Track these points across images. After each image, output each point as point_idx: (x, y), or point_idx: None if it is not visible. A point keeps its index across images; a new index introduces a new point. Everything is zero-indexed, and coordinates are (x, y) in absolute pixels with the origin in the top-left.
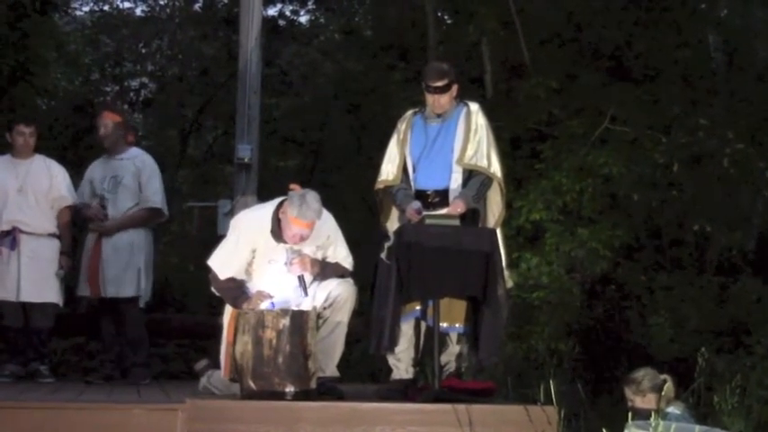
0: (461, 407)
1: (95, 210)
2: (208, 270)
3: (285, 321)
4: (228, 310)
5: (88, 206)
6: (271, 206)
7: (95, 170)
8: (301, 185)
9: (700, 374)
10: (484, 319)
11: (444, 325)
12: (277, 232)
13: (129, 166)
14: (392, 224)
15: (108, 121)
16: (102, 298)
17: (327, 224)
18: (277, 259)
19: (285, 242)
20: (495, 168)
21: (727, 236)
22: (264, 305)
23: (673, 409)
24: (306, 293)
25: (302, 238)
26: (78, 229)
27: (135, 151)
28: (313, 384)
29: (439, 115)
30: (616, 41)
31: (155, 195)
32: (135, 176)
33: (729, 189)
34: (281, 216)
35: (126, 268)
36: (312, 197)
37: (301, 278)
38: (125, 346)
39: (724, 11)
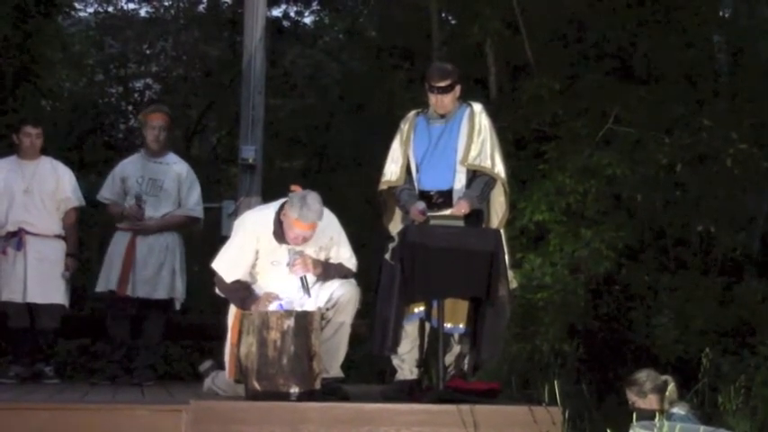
0: (466, 407)
1: (133, 209)
2: (212, 273)
3: (290, 322)
4: (233, 312)
5: (120, 205)
6: (273, 207)
7: (129, 168)
8: (305, 187)
9: (704, 375)
10: (486, 319)
11: (448, 325)
12: (279, 234)
13: (169, 171)
14: (396, 225)
15: (160, 122)
16: (125, 297)
17: (330, 225)
18: (280, 260)
19: (287, 243)
20: (499, 169)
21: (731, 236)
22: (273, 306)
23: (677, 410)
24: (308, 294)
25: (304, 240)
26: (84, 231)
27: (173, 156)
28: (317, 385)
29: (442, 116)
30: (620, 42)
31: (197, 205)
32: (176, 183)
33: (733, 189)
34: (282, 218)
35: (160, 270)
36: (313, 198)
37: (303, 279)
38: (140, 346)
39: (728, 11)
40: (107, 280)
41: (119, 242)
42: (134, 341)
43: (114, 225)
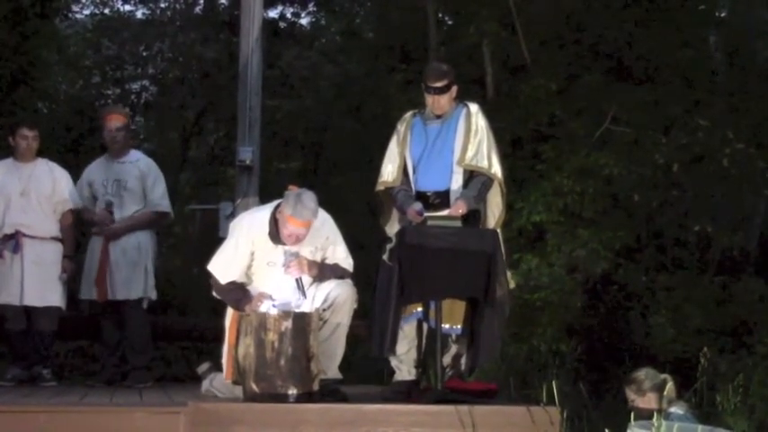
0: (464, 408)
1: (103, 215)
2: (208, 275)
3: (287, 324)
4: (230, 313)
5: (91, 210)
6: (268, 208)
7: (94, 172)
8: (302, 187)
9: (702, 374)
10: (484, 319)
11: (446, 326)
12: (274, 234)
13: (132, 169)
14: (393, 226)
15: (116, 123)
16: (107, 301)
17: (326, 225)
18: (275, 261)
19: (283, 244)
20: (496, 169)
21: (728, 236)
22: (265, 307)
23: (675, 410)
24: (304, 296)
25: (298, 239)
26: (81, 233)
27: (136, 154)
28: (316, 386)
29: (439, 116)
30: (617, 42)
31: (162, 200)
32: (139, 180)
33: (730, 189)
34: (277, 216)
35: (134, 270)
36: (308, 197)
37: (299, 280)
38: (129, 348)
39: (724, 11)
40: (88, 288)
41: (93, 248)
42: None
43: (89, 230)
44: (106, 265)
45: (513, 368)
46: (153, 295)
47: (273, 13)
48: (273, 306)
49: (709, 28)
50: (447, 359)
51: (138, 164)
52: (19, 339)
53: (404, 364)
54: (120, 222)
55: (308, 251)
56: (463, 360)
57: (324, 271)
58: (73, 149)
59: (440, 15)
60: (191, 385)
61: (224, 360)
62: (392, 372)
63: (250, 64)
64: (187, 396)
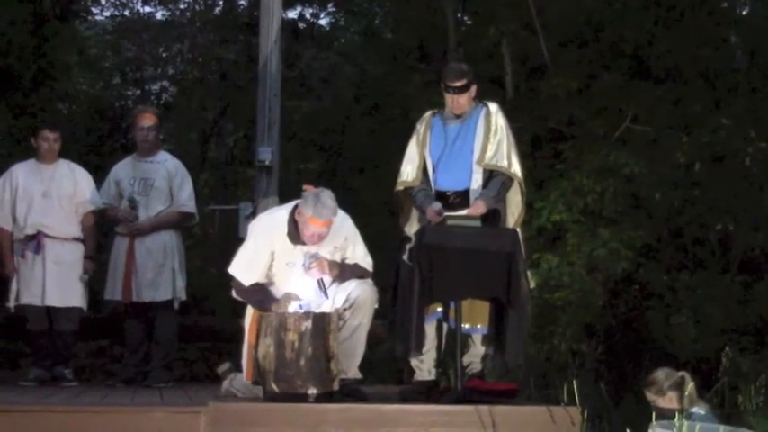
0: (484, 408)
1: (126, 211)
2: (230, 278)
3: (307, 324)
4: (249, 313)
5: (115, 208)
6: (286, 209)
7: (122, 171)
8: (317, 186)
9: (724, 374)
10: (508, 320)
11: (466, 326)
12: (294, 235)
13: (160, 169)
14: (412, 226)
15: (148, 122)
16: (133, 302)
17: (345, 225)
18: (295, 262)
19: (302, 244)
20: (516, 169)
21: (750, 235)
22: (293, 307)
23: (697, 410)
24: (326, 296)
25: (321, 238)
26: (103, 234)
27: (165, 155)
28: (335, 386)
29: (458, 116)
30: (637, 41)
31: (188, 201)
32: (167, 180)
33: (752, 188)
34: (297, 218)
35: (161, 271)
36: (326, 195)
37: (320, 281)
38: (154, 348)
39: (746, 9)
40: (113, 288)
41: (119, 248)
42: (150, 344)
43: (113, 230)
44: (132, 265)
45: (533, 368)
46: (183, 296)
47: (293, 14)
48: (300, 306)
49: (731, 27)
50: (467, 359)
51: (166, 164)
52: (41, 340)
53: (424, 364)
54: (146, 220)
55: (327, 251)
56: (488, 361)
57: (344, 271)
58: (94, 151)
59: (459, 15)
60: (210, 385)
61: (244, 360)
62: (412, 372)
63: (269, 65)
64: (207, 396)
